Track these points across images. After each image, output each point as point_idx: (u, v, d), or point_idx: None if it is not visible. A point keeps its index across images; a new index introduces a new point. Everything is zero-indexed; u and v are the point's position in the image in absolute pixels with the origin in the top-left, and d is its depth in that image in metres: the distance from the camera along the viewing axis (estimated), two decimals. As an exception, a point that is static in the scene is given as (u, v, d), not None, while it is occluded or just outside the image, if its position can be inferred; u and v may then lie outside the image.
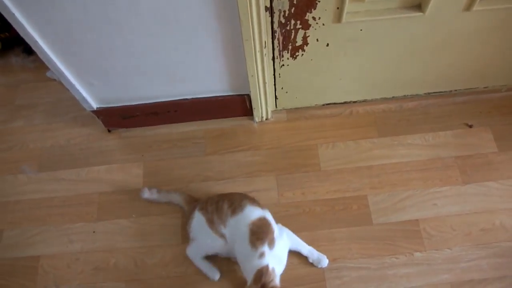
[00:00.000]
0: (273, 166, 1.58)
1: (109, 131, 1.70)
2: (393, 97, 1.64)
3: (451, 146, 1.58)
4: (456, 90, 1.64)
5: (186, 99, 1.52)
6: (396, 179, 1.52)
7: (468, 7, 1.19)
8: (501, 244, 1.39)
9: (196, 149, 1.64)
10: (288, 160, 1.59)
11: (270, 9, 1.13)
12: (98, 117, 1.59)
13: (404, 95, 1.64)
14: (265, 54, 1.28)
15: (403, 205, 1.47)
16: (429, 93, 1.64)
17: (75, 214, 1.53)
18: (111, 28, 1.15)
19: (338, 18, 1.18)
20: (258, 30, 1.16)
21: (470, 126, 1.62)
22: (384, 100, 1.66)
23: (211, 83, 1.44)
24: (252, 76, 1.34)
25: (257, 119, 1.63)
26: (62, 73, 1.31)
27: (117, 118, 1.60)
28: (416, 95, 1.65)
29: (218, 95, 1.51)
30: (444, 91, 1.64)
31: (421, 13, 1.19)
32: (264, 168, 1.57)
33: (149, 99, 1.51)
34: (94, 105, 1.52)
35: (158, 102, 1.52)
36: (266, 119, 1.66)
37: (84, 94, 1.43)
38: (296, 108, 1.67)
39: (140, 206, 1.52)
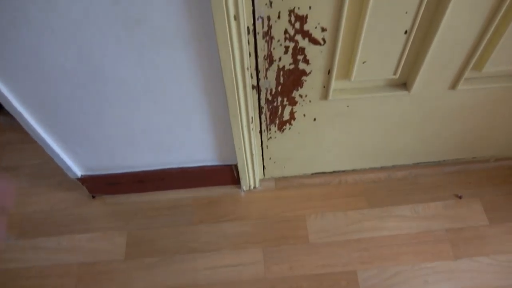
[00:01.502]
0: (260, 237, 1.54)
1: (93, 197, 1.66)
2: (382, 167, 1.64)
3: (442, 218, 1.56)
4: (444, 160, 1.64)
5: (173, 168, 1.50)
6: (386, 253, 1.48)
7: (453, 86, 1.21)
8: (496, 325, 1.34)
9: (182, 217, 1.60)
10: (276, 232, 1.55)
11: (257, 88, 1.14)
12: (82, 184, 1.56)
13: (393, 165, 1.64)
14: (252, 129, 1.27)
15: (393, 281, 1.42)
16: (418, 163, 1.64)
17: (51, 287, 1.46)
18: (98, 101, 1.15)
19: (325, 95, 1.19)
20: (244, 107, 1.16)
21: (460, 197, 1.60)
22: (373, 169, 1.65)
23: (198, 153, 1.42)
24: (239, 148, 1.33)
25: (244, 188, 1.61)
26: (46, 143, 1.30)
27: (102, 185, 1.57)
28: (405, 165, 1.64)
29: (205, 164, 1.49)
30: (433, 161, 1.64)
31: (406, 92, 1.20)
32: (251, 239, 1.53)
33: (136, 168, 1.49)
34: (79, 173, 1.49)
35: (145, 170, 1.50)
36: (254, 188, 1.63)
37: (69, 162, 1.41)
38: (285, 177, 1.65)
39: (121, 278, 1.46)
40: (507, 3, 0.94)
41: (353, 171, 1.65)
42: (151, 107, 1.17)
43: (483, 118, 1.38)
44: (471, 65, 1.12)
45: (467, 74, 1.16)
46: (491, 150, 1.60)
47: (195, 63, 1.02)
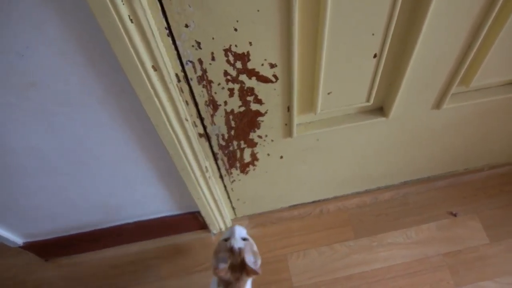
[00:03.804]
0: (238, 286, 1.35)
1: (46, 260, 1.46)
2: (366, 190, 1.46)
3: (437, 241, 1.39)
4: (434, 176, 1.47)
5: (129, 223, 1.30)
6: (380, 290, 1.31)
7: (438, 106, 1.03)
8: None
9: (149, 273, 1.41)
10: (256, 277, 1.36)
11: (205, 135, 0.95)
12: (28, 251, 1.35)
13: (378, 187, 1.46)
14: (209, 177, 1.08)
15: (392, 325, 1.25)
16: (405, 182, 1.47)
17: None
18: (14, 173, 0.95)
19: (289, 133, 1.00)
20: (193, 158, 0.97)
21: (455, 215, 1.44)
22: (357, 194, 1.47)
23: (154, 206, 1.23)
24: (199, 198, 1.14)
25: (215, 231, 1.43)
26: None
27: (52, 248, 1.37)
28: (392, 185, 1.47)
29: (164, 215, 1.30)
30: (422, 178, 1.47)
31: (384, 118, 1.02)
32: (228, 291, 1.34)
33: (85, 228, 1.30)
34: (20, 241, 1.29)
35: (97, 229, 1.31)
36: (226, 229, 1.44)
37: (5, 234, 1.21)
38: (260, 213, 1.46)
39: None
40: (496, 9, 0.76)
41: (335, 198, 1.47)
42: (80, 172, 0.98)
43: (473, 131, 1.21)
44: (456, 83, 0.94)
45: (452, 91, 0.98)
46: (484, 159, 1.43)
47: (119, 122, 0.83)
